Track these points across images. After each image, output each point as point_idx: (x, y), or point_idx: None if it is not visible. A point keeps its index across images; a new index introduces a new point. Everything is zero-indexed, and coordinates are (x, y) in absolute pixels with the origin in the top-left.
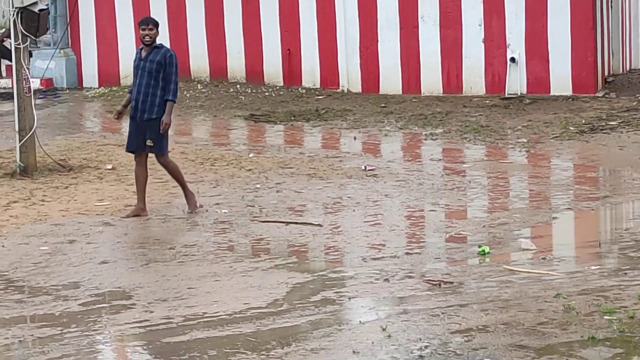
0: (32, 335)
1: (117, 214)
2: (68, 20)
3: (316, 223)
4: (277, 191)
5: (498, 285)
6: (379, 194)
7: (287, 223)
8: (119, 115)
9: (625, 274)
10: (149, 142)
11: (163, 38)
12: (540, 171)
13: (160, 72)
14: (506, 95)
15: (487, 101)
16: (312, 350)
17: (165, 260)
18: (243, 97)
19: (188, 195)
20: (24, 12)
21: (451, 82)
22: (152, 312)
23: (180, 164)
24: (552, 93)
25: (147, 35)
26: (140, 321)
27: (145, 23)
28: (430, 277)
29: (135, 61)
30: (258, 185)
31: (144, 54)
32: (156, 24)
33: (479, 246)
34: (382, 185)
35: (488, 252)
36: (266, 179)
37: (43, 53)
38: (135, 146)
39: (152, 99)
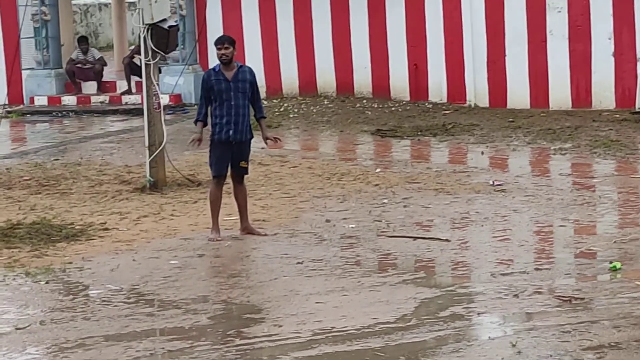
0: (162, 348)
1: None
2: (197, 37)
3: (444, 238)
4: (405, 206)
5: (630, 301)
6: (507, 209)
7: (415, 238)
8: (200, 142)
9: None
10: (243, 164)
11: (290, 53)
12: None
13: (250, 91)
14: (637, 110)
15: (617, 115)
16: None
17: (293, 275)
18: (369, 112)
19: (245, 217)
20: (154, 29)
21: (580, 96)
22: (280, 326)
23: (307, 179)
24: None
25: (223, 54)
26: (269, 335)
27: (221, 42)
28: (560, 293)
29: (219, 83)
30: (385, 200)
31: (228, 74)
32: (232, 42)
33: (610, 262)
34: (511, 201)
35: (619, 268)
36: (393, 194)
37: (172, 69)
38: (226, 169)
39: (247, 120)
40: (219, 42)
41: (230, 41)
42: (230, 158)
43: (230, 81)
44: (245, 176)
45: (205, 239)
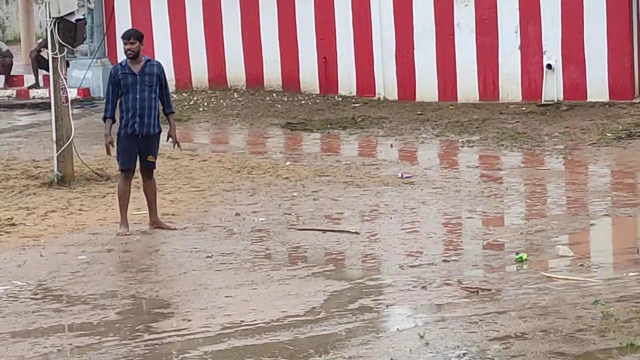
0: (70, 344)
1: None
2: (105, 30)
3: (353, 231)
4: (314, 199)
5: (536, 292)
6: (415, 202)
7: (324, 231)
8: (112, 145)
9: None
10: (150, 158)
11: (200, 46)
12: (577, 178)
13: (158, 85)
14: (543, 102)
15: (524, 108)
16: (350, 358)
17: (202, 269)
18: (279, 106)
19: (154, 212)
20: (61, 22)
21: (487, 89)
22: (190, 320)
23: (217, 172)
24: (588, 99)
25: (129, 49)
26: (178, 330)
27: (127, 37)
28: (467, 285)
29: (126, 77)
30: (295, 194)
31: (135, 68)
32: (138, 37)
33: (517, 253)
34: (419, 193)
35: (526, 259)
36: (303, 187)
37: (80, 63)
38: (133, 163)
39: (155, 113)
40: (125, 37)
41: (136, 36)
42: (137, 152)
43: (137, 75)
44: (155, 170)
45: (113, 233)
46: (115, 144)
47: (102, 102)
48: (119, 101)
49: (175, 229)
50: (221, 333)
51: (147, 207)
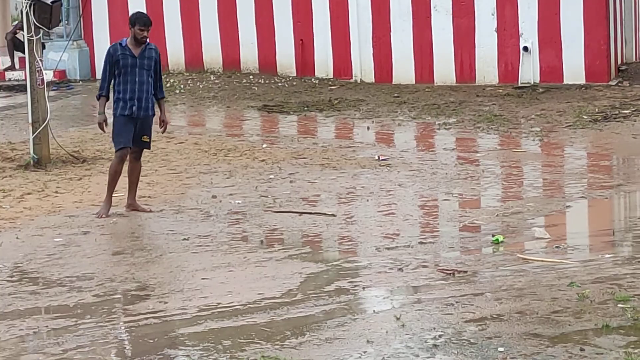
0: (46, 326)
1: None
2: (81, 12)
3: (330, 213)
4: (291, 181)
5: (512, 274)
6: (392, 184)
7: (301, 213)
8: (106, 124)
9: (639, 262)
10: (145, 139)
11: (176, 28)
12: (553, 160)
13: (154, 69)
14: (519, 85)
15: (500, 90)
16: (326, 340)
17: (179, 251)
18: (256, 88)
19: (133, 194)
20: (37, 4)
21: (464, 72)
22: (166, 302)
23: (193, 155)
24: (565, 82)
25: (144, 36)
26: (155, 312)
27: (146, 25)
28: (444, 267)
29: (125, 58)
30: (271, 176)
31: (135, 50)
32: (151, 25)
33: (493, 235)
34: (396, 175)
35: (502, 241)
36: (279, 170)
37: (56, 45)
38: (130, 143)
39: (151, 97)
40: (144, 25)
41: (150, 23)
42: (133, 132)
43: (136, 57)
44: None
45: (90, 216)
46: (106, 125)
47: (78, 84)
48: (114, 82)
49: (151, 211)
50: (198, 315)
51: (128, 189)
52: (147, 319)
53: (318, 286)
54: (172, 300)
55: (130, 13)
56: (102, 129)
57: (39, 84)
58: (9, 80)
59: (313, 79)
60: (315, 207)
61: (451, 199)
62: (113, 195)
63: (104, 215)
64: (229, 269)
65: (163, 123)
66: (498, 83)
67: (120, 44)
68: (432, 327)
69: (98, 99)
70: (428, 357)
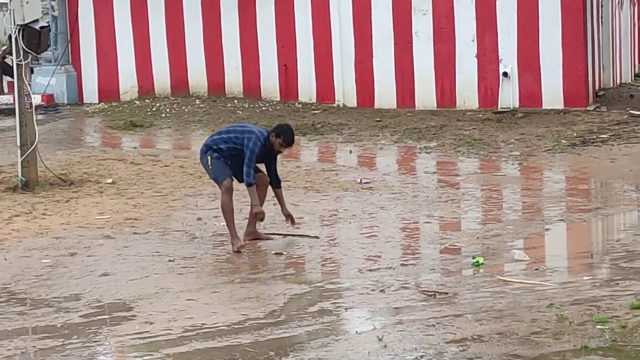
0: (34, 347)
1: (117, 227)
2: (69, 37)
3: (313, 235)
4: (275, 204)
5: (492, 295)
6: (374, 207)
7: (285, 235)
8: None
9: (617, 284)
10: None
11: (162, 53)
12: (532, 183)
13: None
14: (499, 109)
15: (480, 115)
16: None
17: (164, 272)
18: (240, 112)
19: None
20: (26, 30)
21: (445, 97)
22: (152, 323)
23: (179, 177)
24: (544, 107)
25: (281, 153)
26: (140, 333)
27: (291, 145)
28: (425, 288)
29: (260, 151)
30: None
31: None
32: None
33: (473, 257)
34: (378, 198)
35: (482, 263)
36: None
37: (44, 69)
38: (231, 175)
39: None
40: (287, 145)
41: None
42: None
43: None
44: (123, 177)
45: (77, 237)
46: (264, 215)
47: (66, 108)
48: (226, 136)
49: (272, 239)
50: (183, 336)
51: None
52: (133, 339)
53: (301, 307)
54: (157, 320)
55: (118, 38)
56: (261, 219)
57: (27, 108)
58: None
59: (296, 104)
60: (298, 229)
61: (432, 221)
62: (99, 217)
63: (242, 247)
64: (214, 290)
65: (288, 217)
66: (478, 108)
67: (266, 139)
68: (414, 347)
69: (247, 186)
70: None
